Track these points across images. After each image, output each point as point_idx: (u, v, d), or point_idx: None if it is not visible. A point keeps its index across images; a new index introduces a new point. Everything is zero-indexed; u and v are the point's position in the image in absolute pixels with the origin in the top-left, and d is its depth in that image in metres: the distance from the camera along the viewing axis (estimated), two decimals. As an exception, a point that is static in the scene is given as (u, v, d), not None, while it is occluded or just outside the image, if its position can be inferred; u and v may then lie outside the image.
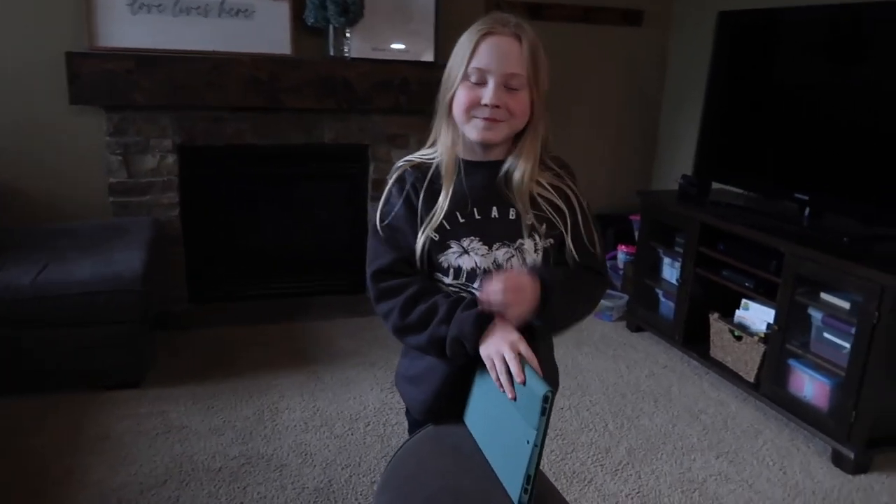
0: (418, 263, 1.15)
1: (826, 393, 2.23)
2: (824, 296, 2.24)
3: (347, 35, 3.02)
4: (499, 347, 1.02)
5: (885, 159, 2.25)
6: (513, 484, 0.96)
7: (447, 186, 1.13)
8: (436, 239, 1.13)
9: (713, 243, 2.66)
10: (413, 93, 3.10)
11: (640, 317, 3.11)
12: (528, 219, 1.14)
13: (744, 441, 2.26)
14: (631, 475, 2.04)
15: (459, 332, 1.06)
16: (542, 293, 1.07)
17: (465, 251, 1.14)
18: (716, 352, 2.67)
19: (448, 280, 1.15)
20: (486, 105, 1.08)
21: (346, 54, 3.04)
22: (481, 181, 1.15)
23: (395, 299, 1.13)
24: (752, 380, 2.49)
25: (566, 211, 1.16)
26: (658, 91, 3.78)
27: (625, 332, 3.11)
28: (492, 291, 1.04)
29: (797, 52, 2.63)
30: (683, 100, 3.60)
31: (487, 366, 1.03)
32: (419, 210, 1.14)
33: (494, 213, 1.14)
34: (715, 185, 3.00)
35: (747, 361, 2.51)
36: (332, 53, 3.03)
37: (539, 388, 0.93)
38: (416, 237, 1.14)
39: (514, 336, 1.03)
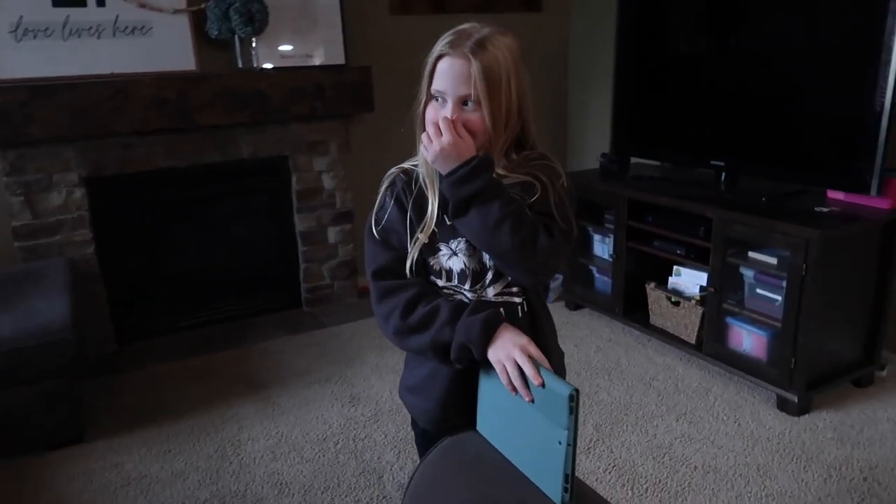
0: (411, 266, 1.16)
1: (764, 344, 2.38)
2: (753, 254, 2.39)
3: (254, 45, 2.92)
4: (509, 352, 1.03)
5: (786, 121, 2.43)
6: (551, 486, 0.97)
7: (433, 192, 1.15)
8: (427, 242, 1.15)
9: (641, 216, 2.78)
10: (328, 98, 3.04)
11: (577, 295, 3.20)
12: None
13: (697, 401, 2.39)
14: (604, 451, 2.11)
15: (466, 338, 1.06)
16: (475, 166, 1.07)
17: (454, 252, 1.16)
18: (655, 319, 2.79)
19: (441, 283, 1.18)
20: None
21: (255, 65, 2.94)
22: None
23: (396, 299, 1.14)
24: (693, 341, 2.63)
25: (537, 186, 1.14)
26: (563, 74, 3.88)
27: (565, 312, 3.20)
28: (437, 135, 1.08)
29: (696, 25, 2.78)
30: (589, 80, 3.72)
31: (498, 370, 1.03)
32: (409, 214, 1.17)
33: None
34: (633, 160, 3.13)
35: (687, 325, 2.65)
36: (240, 65, 2.92)
37: (563, 388, 0.94)
38: (410, 238, 1.16)
39: (523, 339, 1.04)
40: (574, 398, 0.93)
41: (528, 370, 1.00)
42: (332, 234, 3.28)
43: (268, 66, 2.97)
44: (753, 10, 2.51)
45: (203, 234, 3.15)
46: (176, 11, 2.82)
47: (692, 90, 2.78)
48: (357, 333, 3.00)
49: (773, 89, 2.46)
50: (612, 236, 2.93)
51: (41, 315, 2.20)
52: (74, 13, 2.68)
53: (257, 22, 2.83)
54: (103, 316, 2.87)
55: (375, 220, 1.19)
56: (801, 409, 2.27)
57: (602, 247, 3.09)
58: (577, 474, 1.93)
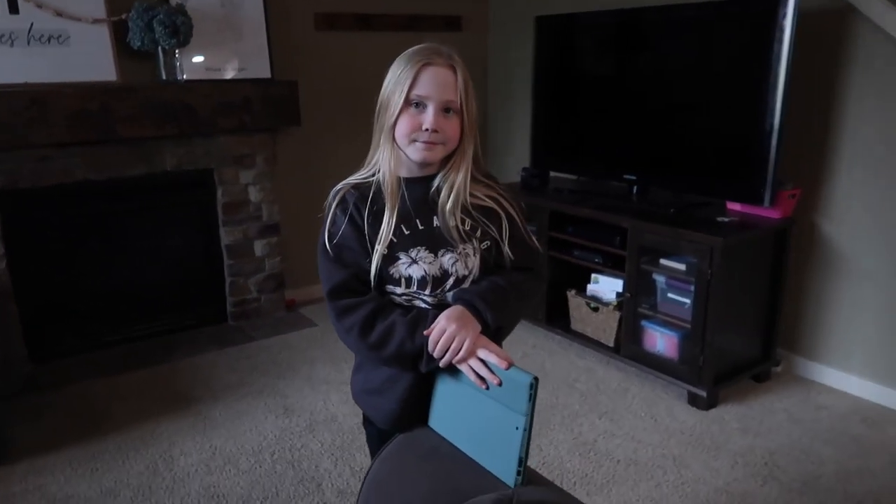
0: (372, 279, 1.21)
1: (675, 345, 2.57)
2: (664, 261, 2.58)
3: (178, 56, 2.90)
4: (471, 352, 1.13)
5: (689, 137, 2.66)
6: (505, 470, 1.05)
7: (392, 204, 1.20)
8: (385, 253, 1.20)
9: (562, 227, 2.94)
10: (256, 111, 3.05)
11: (502, 303, 3.32)
12: (466, 226, 1.23)
13: (617, 400, 2.54)
14: (533, 449, 2.23)
15: (422, 354, 1.16)
16: (474, 311, 1.18)
17: (414, 261, 1.21)
18: (576, 324, 2.95)
19: (400, 290, 1.23)
20: (426, 129, 1.17)
21: (180, 77, 2.91)
22: (421, 195, 1.24)
23: (353, 317, 1.19)
24: (611, 344, 2.79)
25: (502, 215, 1.26)
26: (482, 91, 4.03)
27: (491, 320, 3.31)
28: (438, 352, 1.14)
29: (606, 47, 2.99)
30: (508, 98, 3.88)
31: (465, 370, 1.12)
32: (365, 229, 1.21)
33: (436, 222, 1.23)
34: (553, 174, 3.30)
35: (605, 329, 2.81)
36: (164, 77, 2.89)
37: (523, 377, 1.03)
38: (365, 253, 1.21)
39: (481, 339, 1.14)
40: (534, 386, 1.02)
41: (494, 359, 1.11)
42: (259, 247, 3.27)
43: (195, 77, 2.94)
44: (657, 33, 2.73)
45: (125, 248, 3.06)
46: (95, 21, 2.76)
47: (604, 108, 2.98)
48: (287, 346, 3.00)
49: (677, 108, 2.68)
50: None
51: (-46, 334, 2.10)
52: (-16, 19, 2.58)
53: (182, 34, 2.81)
54: (16, 334, 2.74)
55: (329, 237, 1.22)
56: (709, 404, 2.47)
57: (525, 257, 3.22)
58: (568, 477, 2.02)
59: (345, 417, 2.41)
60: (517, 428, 1.03)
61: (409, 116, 1.17)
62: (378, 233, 1.20)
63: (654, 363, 2.63)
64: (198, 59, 2.96)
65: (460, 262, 1.23)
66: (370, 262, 1.20)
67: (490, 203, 1.25)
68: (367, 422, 1.38)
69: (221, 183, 3.14)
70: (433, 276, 1.21)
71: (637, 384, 2.66)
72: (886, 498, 1.98)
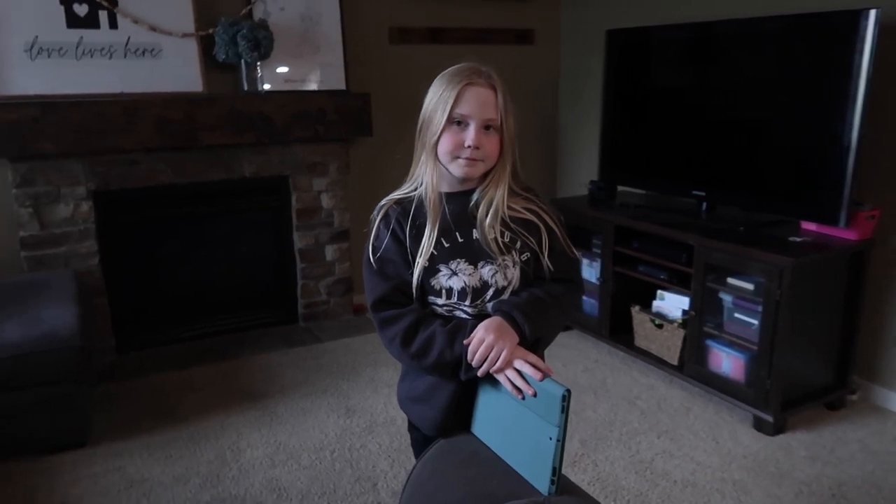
0: (414, 291, 1.26)
1: (742, 366, 2.50)
2: (731, 280, 2.52)
3: (259, 69, 3.05)
4: (509, 363, 1.17)
5: (763, 154, 2.59)
6: (539, 479, 1.07)
7: (433, 218, 1.25)
8: (426, 265, 1.25)
9: (628, 242, 2.91)
10: (330, 122, 3.16)
11: (565, 316, 3.31)
12: (506, 238, 1.27)
13: (678, 419, 2.50)
14: (588, 464, 2.22)
15: (461, 363, 1.20)
16: (512, 323, 1.22)
17: (454, 272, 1.26)
18: (640, 341, 2.91)
19: (441, 301, 1.28)
20: (468, 147, 1.21)
21: (260, 88, 3.06)
22: (461, 208, 1.28)
23: (395, 328, 1.25)
24: (675, 363, 2.74)
25: (541, 228, 1.29)
26: (554, 104, 4.04)
27: (553, 333, 3.31)
28: (476, 361, 1.18)
29: (674, 63, 2.95)
30: (579, 110, 3.88)
31: (502, 381, 1.15)
32: (407, 243, 1.27)
33: (475, 234, 1.27)
34: (620, 188, 3.27)
35: (670, 347, 2.77)
36: (245, 88, 3.04)
37: (556, 389, 1.06)
38: (407, 266, 1.27)
39: (519, 350, 1.18)
40: (566, 398, 1.04)
41: (528, 370, 1.13)
42: (330, 252, 3.38)
43: (280, 89, 3.09)
44: (731, 47, 2.68)
45: (206, 249, 3.24)
46: (185, 35, 2.95)
47: (675, 123, 2.93)
48: (352, 349, 3.09)
49: (751, 124, 2.62)
50: (599, 261, 3.06)
51: (48, 322, 2.28)
52: (88, 34, 2.79)
53: (263, 48, 2.96)
54: (105, 326, 2.94)
55: (372, 250, 1.28)
56: (776, 429, 2.39)
57: (589, 271, 3.21)
58: (590, 488, 2.03)
59: (403, 421, 2.44)
60: (551, 438, 1.05)
61: (451, 134, 1.22)
62: (420, 246, 1.25)
63: (719, 384, 2.57)
64: (278, 71, 3.11)
65: (500, 274, 1.26)
66: (412, 274, 1.25)
67: (529, 216, 1.28)
68: (411, 427, 1.43)
69: (295, 189, 3.27)
70: (473, 287, 1.25)
71: (700, 405, 2.60)
72: (965, 539, 1.87)
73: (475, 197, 1.28)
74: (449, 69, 1.26)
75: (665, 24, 2.99)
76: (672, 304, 2.79)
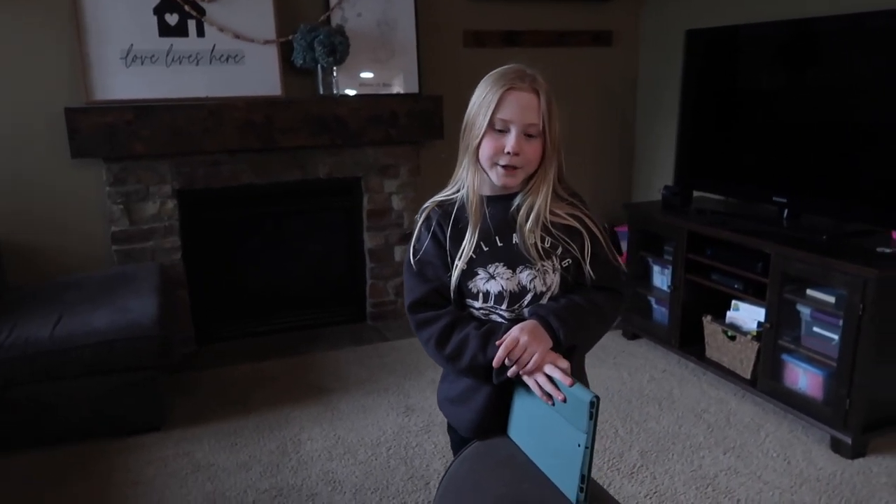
0: (451, 293, 1.26)
1: (820, 384, 2.36)
2: (810, 292, 2.38)
3: (335, 73, 3.14)
4: (539, 367, 1.16)
5: (851, 159, 2.42)
6: (569, 485, 1.06)
7: (474, 221, 1.25)
8: (465, 269, 1.25)
9: (701, 249, 2.80)
10: (402, 125, 3.22)
11: (635, 325, 3.23)
12: (546, 243, 1.25)
13: (747, 436, 2.38)
14: (646, 476, 2.15)
15: (493, 367, 1.19)
16: (547, 328, 1.20)
17: (492, 276, 1.25)
18: (711, 353, 2.79)
19: (478, 304, 1.27)
20: (507, 153, 1.21)
21: (335, 92, 3.15)
22: (501, 212, 1.28)
23: (430, 329, 1.26)
24: (748, 377, 2.62)
25: (584, 234, 1.27)
26: (631, 106, 3.94)
27: (622, 341, 3.23)
28: (509, 361, 1.17)
29: (760, 63, 2.81)
30: (656, 113, 3.77)
31: (531, 385, 1.14)
32: (447, 246, 1.27)
33: (515, 239, 1.26)
34: (696, 194, 3.15)
35: (742, 360, 2.64)
36: (321, 92, 3.14)
37: (585, 395, 1.04)
38: (446, 269, 1.27)
39: (550, 355, 1.16)
40: (594, 404, 1.02)
41: (558, 375, 1.12)
42: (399, 252, 3.44)
43: (350, 92, 3.18)
44: (821, 47, 2.53)
45: (279, 247, 3.37)
46: (266, 42, 3.08)
47: (757, 125, 2.80)
48: (417, 349, 3.12)
49: (839, 127, 2.46)
50: (670, 268, 2.96)
51: (132, 312, 2.44)
52: (177, 42, 2.97)
53: (339, 53, 3.04)
54: (186, 318, 3.11)
55: (413, 252, 1.29)
56: (855, 452, 2.23)
57: (661, 278, 3.12)
58: (617, 498, 2.00)
59: (461, 423, 2.47)
60: (579, 445, 1.03)
61: (491, 139, 1.21)
62: (459, 249, 1.25)
63: (795, 401, 2.43)
64: (352, 74, 3.19)
65: (538, 279, 1.25)
66: (451, 278, 1.25)
67: (572, 222, 1.26)
68: (450, 428, 1.44)
69: (367, 191, 3.34)
70: (511, 291, 1.25)
71: (773, 422, 2.47)
72: None
73: (517, 201, 1.27)
74: (495, 71, 1.26)
75: (749, 23, 2.86)
76: (746, 315, 2.66)
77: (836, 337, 2.28)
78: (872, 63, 2.37)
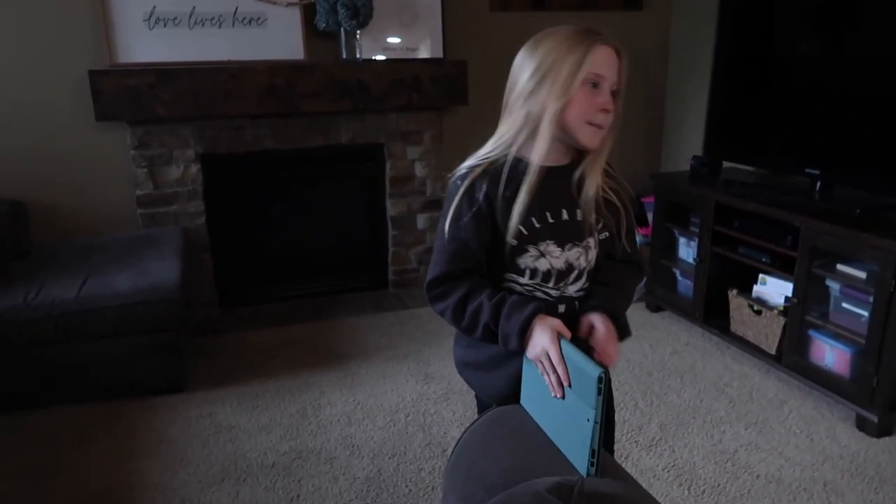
0: (491, 268, 1.21)
1: (847, 361, 2.31)
2: (840, 267, 2.32)
3: (358, 37, 3.09)
4: (540, 352, 1.10)
5: (886, 130, 2.33)
6: (579, 459, 1.04)
7: (529, 195, 1.16)
8: (514, 244, 1.17)
9: (728, 221, 2.74)
10: (425, 90, 3.17)
11: (659, 297, 3.19)
12: (593, 219, 1.21)
13: (770, 411, 2.35)
14: (665, 450, 2.13)
15: (505, 342, 1.14)
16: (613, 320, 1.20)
17: (542, 254, 1.19)
18: (736, 327, 2.75)
19: (524, 280, 1.21)
20: (603, 111, 1.13)
21: (358, 56, 3.11)
22: (557, 186, 1.20)
23: (445, 303, 1.20)
24: (773, 352, 2.57)
25: (620, 208, 1.24)
26: (662, 73, 3.84)
27: (645, 313, 3.19)
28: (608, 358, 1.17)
29: (797, 28, 2.70)
30: (687, 81, 3.66)
31: (537, 367, 1.12)
32: (496, 219, 1.17)
33: (565, 215, 1.20)
34: (726, 164, 3.08)
35: (768, 334, 2.59)
36: (344, 56, 3.10)
37: (592, 370, 1.01)
38: (484, 250, 1.18)
39: (550, 342, 1.09)
40: (602, 380, 0.99)
41: (559, 372, 1.07)
42: (421, 220, 3.42)
43: (378, 57, 3.13)
44: (860, 11, 2.42)
45: (301, 213, 3.37)
46: (289, 4, 3.04)
47: (790, 94, 2.70)
48: (437, 317, 3.10)
49: (877, 97, 2.36)
50: (696, 240, 2.90)
51: (155, 275, 2.46)
52: (200, 4, 2.94)
53: (362, 16, 2.99)
54: (209, 282, 3.14)
55: (450, 229, 1.17)
56: (880, 430, 2.19)
57: (687, 250, 3.06)
58: (635, 470, 1.99)
59: (479, 391, 2.47)
60: (588, 420, 1.01)
61: (585, 96, 1.11)
62: (508, 220, 1.15)
63: (821, 378, 2.38)
64: (376, 39, 3.14)
65: (583, 256, 1.21)
66: (492, 256, 1.19)
67: (612, 196, 1.23)
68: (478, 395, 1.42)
69: (390, 157, 3.31)
70: (558, 269, 1.20)
71: (797, 398, 2.43)
72: None
73: (578, 173, 1.20)
74: (561, 28, 1.14)
75: (784, -14, 2.75)
76: (773, 289, 2.60)
77: (865, 313, 2.22)
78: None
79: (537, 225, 1.17)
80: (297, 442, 2.19)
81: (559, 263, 1.19)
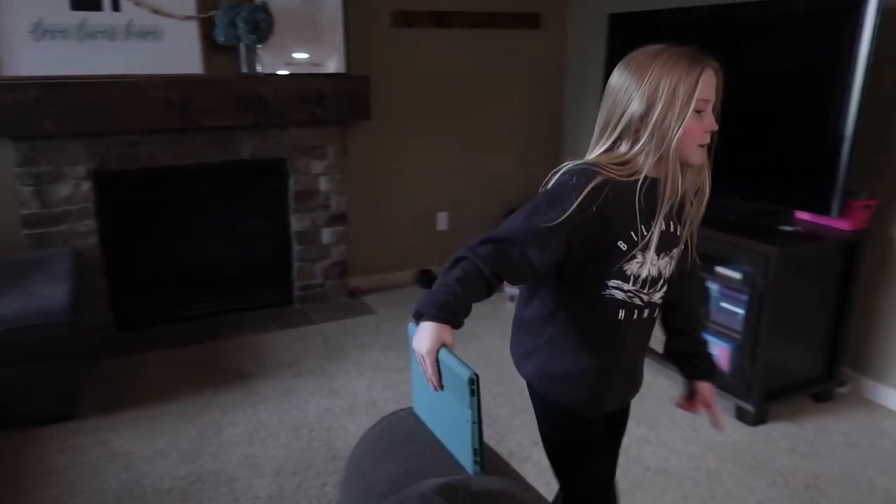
0: (535, 273, 1.18)
1: (727, 356, 2.47)
2: (719, 269, 2.48)
3: (259, 51, 3.07)
4: (421, 349, 1.10)
5: (757, 142, 2.53)
6: (465, 458, 1.09)
7: (662, 209, 1.19)
8: (624, 249, 1.19)
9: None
10: (328, 105, 3.18)
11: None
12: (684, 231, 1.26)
13: (659, 407, 2.48)
14: (563, 449, 2.22)
15: (419, 311, 1.12)
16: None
17: (644, 262, 1.22)
18: (630, 329, 2.89)
19: (627, 287, 1.22)
20: (709, 132, 1.19)
21: (259, 71, 3.09)
22: (651, 198, 1.21)
23: (469, 255, 1.15)
24: (661, 351, 2.71)
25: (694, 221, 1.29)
26: (559, 89, 4.00)
27: (547, 319, 3.30)
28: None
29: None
30: (583, 95, 3.83)
31: (419, 361, 1.14)
32: (608, 227, 1.18)
33: (662, 226, 1.21)
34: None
35: (656, 334, 2.73)
36: (244, 70, 3.07)
37: (464, 372, 1.04)
38: (550, 249, 1.16)
39: (431, 344, 1.08)
40: (473, 381, 1.04)
41: (432, 372, 1.09)
42: (326, 235, 3.42)
43: (280, 72, 3.12)
44: (729, 36, 2.62)
45: (203, 230, 3.30)
46: (186, 17, 2.98)
47: (674, 110, 2.88)
48: (343, 331, 3.12)
49: (746, 112, 2.56)
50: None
51: (42, 299, 2.35)
52: (91, 16, 2.84)
53: (262, 30, 2.98)
54: (103, 303, 3.02)
55: (545, 210, 1.16)
56: (756, 419, 2.36)
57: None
58: (535, 470, 2.05)
59: (385, 403, 2.50)
60: (467, 420, 1.06)
61: (696, 122, 1.17)
62: (625, 231, 1.19)
63: (705, 374, 2.54)
64: (277, 53, 3.13)
65: (669, 266, 1.26)
66: (574, 262, 1.20)
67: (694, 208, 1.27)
68: (548, 404, 1.37)
69: (293, 172, 3.30)
70: (653, 277, 1.24)
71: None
72: (939, 536, 1.84)
73: (682, 188, 1.21)
74: (662, 51, 1.20)
75: (669, 8, 2.93)
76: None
77: (741, 311, 2.39)
78: (771, 51, 2.47)
79: (645, 233, 1.20)
80: (197, 465, 2.14)
81: (654, 271, 1.23)
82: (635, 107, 1.17)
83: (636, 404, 2.31)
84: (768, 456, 2.18)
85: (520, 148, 3.97)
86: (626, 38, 3.09)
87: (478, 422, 1.05)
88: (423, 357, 1.10)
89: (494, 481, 1.09)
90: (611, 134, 1.21)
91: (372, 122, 3.36)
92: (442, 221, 3.86)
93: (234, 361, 2.83)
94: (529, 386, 1.38)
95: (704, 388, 1.43)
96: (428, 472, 1.12)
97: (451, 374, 1.10)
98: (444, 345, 1.11)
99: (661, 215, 1.18)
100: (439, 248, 3.81)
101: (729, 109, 2.60)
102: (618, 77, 1.21)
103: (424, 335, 1.10)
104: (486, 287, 1.14)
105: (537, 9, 3.80)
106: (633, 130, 1.18)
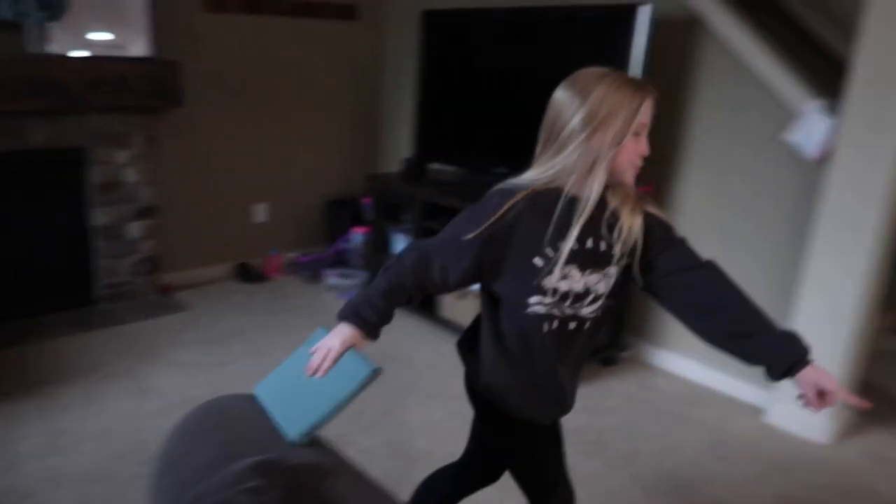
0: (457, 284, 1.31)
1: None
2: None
3: (52, 30, 2.82)
4: (333, 343, 1.25)
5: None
6: (298, 428, 1.18)
7: (578, 223, 1.22)
8: (540, 266, 1.23)
9: (436, 216, 3.04)
10: (133, 90, 3.00)
11: (381, 290, 3.40)
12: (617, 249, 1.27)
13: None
14: (381, 430, 2.32)
15: (342, 312, 1.28)
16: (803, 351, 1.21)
17: (564, 276, 1.25)
18: (444, 311, 3.06)
19: (547, 300, 1.26)
20: (642, 156, 1.23)
21: (51, 51, 2.84)
22: (594, 215, 1.25)
23: (394, 267, 1.30)
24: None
25: (653, 234, 1.29)
26: (377, 81, 4.08)
27: (369, 306, 3.38)
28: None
29: (486, 44, 3.10)
30: (400, 87, 3.95)
31: (318, 351, 1.24)
32: (514, 244, 1.24)
33: (589, 244, 1.25)
34: (436, 166, 3.39)
35: (471, 315, 2.93)
36: (33, 50, 2.81)
37: (366, 366, 1.20)
38: (464, 263, 1.27)
39: (342, 340, 1.25)
40: (376, 373, 1.20)
41: (326, 361, 1.23)
42: (134, 229, 3.23)
43: (77, 53, 2.88)
44: (533, 33, 2.85)
45: (-11, 227, 2.97)
46: (-43, -12, 2.67)
47: (482, 103, 3.09)
48: (154, 329, 2.98)
49: (539, 105, 2.81)
50: (409, 235, 3.17)
51: None
52: None
53: (54, 7, 2.74)
54: None
55: (474, 226, 1.25)
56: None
57: (400, 245, 3.32)
58: (353, 450, 2.11)
59: (202, 399, 2.43)
60: (334, 400, 1.18)
61: (632, 144, 1.21)
62: (539, 246, 1.23)
63: (512, 349, 2.76)
64: (76, 34, 2.89)
65: (602, 283, 1.28)
66: (465, 271, 1.28)
67: (639, 223, 1.27)
68: (488, 414, 1.51)
69: (95, 162, 3.07)
70: (576, 292, 1.26)
71: (495, 369, 2.79)
72: (691, 469, 2.18)
73: (612, 205, 1.25)
74: (606, 74, 1.23)
75: (478, 8, 3.12)
76: (474, 276, 2.95)
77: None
78: (568, 48, 2.74)
79: (573, 248, 1.24)
80: (-15, 482, 1.96)
81: (577, 286, 1.26)
82: (575, 123, 1.21)
83: (450, 381, 2.46)
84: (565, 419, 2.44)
85: (340, 139, 4.01)
86: (439, 34, 3.24)
87: (341, 407, 1.13)
88: (330, 348, 1.22)
89: (311, 454, 1.15)
90: (548, 147, 1.27)
91: (185, 109, 3.23)
92: (261, 213, 3.79)
93: (28, 370, 2.60)
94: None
95: (804, 377, 1.20)
96: (244, 454, 1.15)
97: (349, 363, 1.17)
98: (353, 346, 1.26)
99: (576, 232, 1.22)
100: (258, 240, 3.75)
101: (531, 104, 2.83)
102: (562, 93, 1.28)
103: (344, 333, 1.25)
104: (407, 298, 1.31)
105: (352, 0, 3.84)
106: (569, 146, 1.23)
